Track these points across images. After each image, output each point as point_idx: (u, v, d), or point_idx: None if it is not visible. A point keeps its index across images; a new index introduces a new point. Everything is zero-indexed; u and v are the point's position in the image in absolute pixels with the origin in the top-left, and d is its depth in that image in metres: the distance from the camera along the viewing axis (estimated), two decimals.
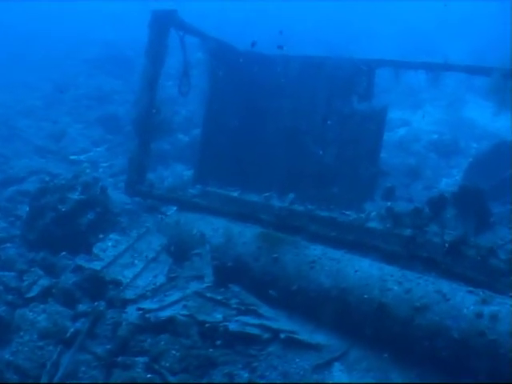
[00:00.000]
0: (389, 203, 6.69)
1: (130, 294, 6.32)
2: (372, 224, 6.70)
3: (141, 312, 5.85)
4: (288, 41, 9.65)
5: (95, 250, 7.07)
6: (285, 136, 9.09)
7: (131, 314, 5.92)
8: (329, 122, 8.48)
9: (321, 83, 8.93)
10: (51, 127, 15.11)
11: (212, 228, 7.36)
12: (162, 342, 5.48)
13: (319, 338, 6.01)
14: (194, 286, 6.55)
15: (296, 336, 5.82)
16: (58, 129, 14.94)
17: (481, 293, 5.39)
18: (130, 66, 20.65)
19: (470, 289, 5.48)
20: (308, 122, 8.93)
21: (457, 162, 14.76)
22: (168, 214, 8.73)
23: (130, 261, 6.99)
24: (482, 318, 5.13)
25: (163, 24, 8.16)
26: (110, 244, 7.27)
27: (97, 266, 6.66)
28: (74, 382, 5.17)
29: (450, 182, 13.45)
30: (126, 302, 6.22)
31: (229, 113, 9.38)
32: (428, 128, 17.69)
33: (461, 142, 16.00)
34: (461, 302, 5.32)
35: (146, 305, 6.02)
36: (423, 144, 16.12)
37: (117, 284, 6.48)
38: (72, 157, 13.21)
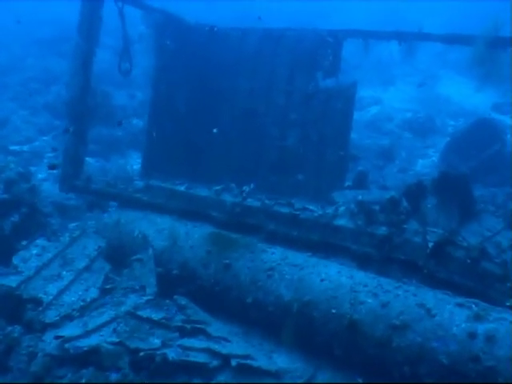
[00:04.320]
0: (360, 196, 5.68)
1: (51, 316, 5.22)
2: (341, 221, 5.71)
3: (60, 340, 4.76)
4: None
5: (15, 261, 5.95)
6: (241, 118, 7.97)
7: (49, 342, 4.83)
8: None
9: (281, 58, 7.82)
10: None
11: (156, 229, 6.39)
12: (83, 380, 4.41)
13: (280, 360, 5.05)
14: (133, 301, 5.50)
15: (250, 362, 4.80)
16: None
17: (473, 306, 4.42)
18: None
19: (460, 300, 4.51)
20: (267, 102, 7.82)
21: (433, 142, 13.90)
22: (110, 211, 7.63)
23: (57, 272, 5.88)
24: (475, 339, 4.17)
25: None
26: (34, 252, 6.16)
27: (12, 281, 5.53)
28: None
29: (426, 163, 12.61)
30: (46, 326, 5.12)
31: (178, 95, 8.23)
32: (401, 106, 16.84)
33: (436, 119, 15.14)
34: (449, 318, 4.36)
35: (68, 330, 4.92)
36: (397, 123, 15.26)
37: (37, 303, 5.37)
38: (13, 147, 11.91)
